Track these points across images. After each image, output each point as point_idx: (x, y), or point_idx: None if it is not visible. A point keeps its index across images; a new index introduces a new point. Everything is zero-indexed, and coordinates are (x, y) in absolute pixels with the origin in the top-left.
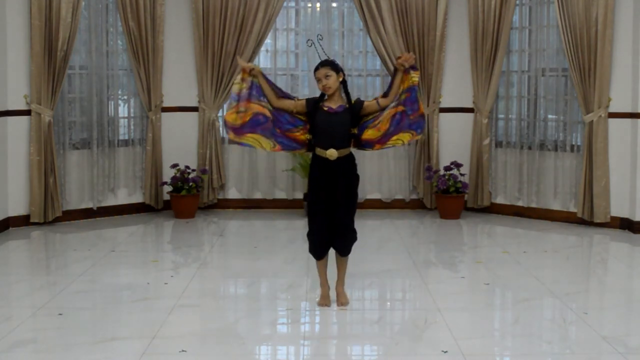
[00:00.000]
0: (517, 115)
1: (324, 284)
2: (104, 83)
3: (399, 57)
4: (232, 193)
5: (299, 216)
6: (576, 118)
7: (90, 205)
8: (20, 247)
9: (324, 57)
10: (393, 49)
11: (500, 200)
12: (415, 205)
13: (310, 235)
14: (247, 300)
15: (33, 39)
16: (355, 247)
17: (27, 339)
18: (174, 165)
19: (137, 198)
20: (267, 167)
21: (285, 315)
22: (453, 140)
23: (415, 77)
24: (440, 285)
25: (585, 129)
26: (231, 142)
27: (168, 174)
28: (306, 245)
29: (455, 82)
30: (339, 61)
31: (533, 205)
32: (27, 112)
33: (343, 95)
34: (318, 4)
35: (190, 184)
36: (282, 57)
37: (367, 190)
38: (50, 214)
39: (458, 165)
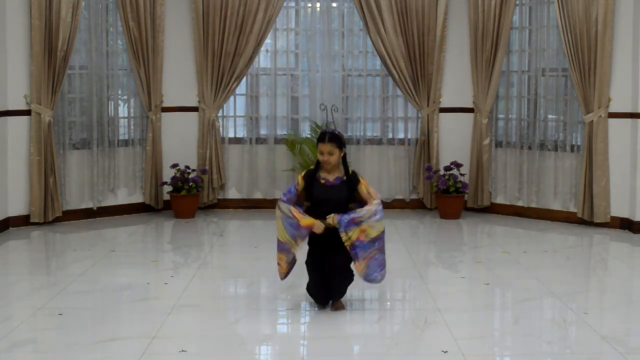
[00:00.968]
0: (517, 115)
1: None
2: (104, 83)
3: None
4: (232, 193)
5: None
6: (576, 118)
7: (90, 205)
8: (20, 247)
9: (331, 126)
10: (393, 49)
11: (500, 200)
12: (415, 205)
13: (308, 289)
14: (247, 300)
15: (33, 39)
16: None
17: (27, 339)
18: (174, 165)
19: (137, 198)
20: (267, 167)
21: (285, 316)
22: (453, 140)
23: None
24: (440, 285)
25: (585, 129)
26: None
27: (168, 174)
28: (307, 247)
29: (455, 82)
30: (338, 61)
31: (533, 205)
32: (27, 112)
33: (341, 167)
34: (318, 4)
35: (190, 184)
36: (282, 57)
37: None
38: (50, 214)
39: (458, 165)
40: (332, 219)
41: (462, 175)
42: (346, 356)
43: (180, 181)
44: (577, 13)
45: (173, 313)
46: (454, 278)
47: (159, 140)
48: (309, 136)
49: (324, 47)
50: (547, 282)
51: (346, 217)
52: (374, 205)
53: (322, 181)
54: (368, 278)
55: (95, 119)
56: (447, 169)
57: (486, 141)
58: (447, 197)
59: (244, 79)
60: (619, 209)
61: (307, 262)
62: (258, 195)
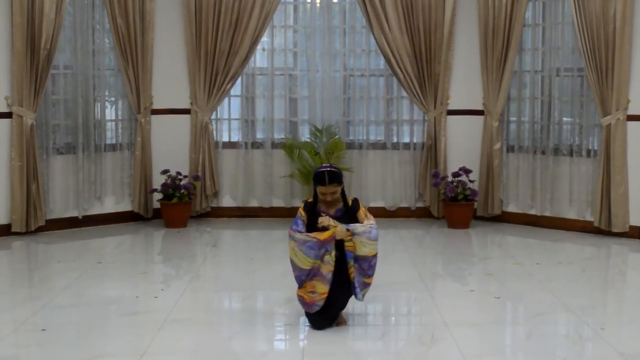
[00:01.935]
0: (529, 118)
1: None
2: (90, 84)
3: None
4: (227, 201)
5: None
6: (593, 121)
7: (75, 213)
8: (0, 258)
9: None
10: (398, 47)
11: (511, 208)
12: (421, 214)
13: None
14: (242, 315)
15: (15, 37)
16: None
17: (8, 356)
18: (165, 172)
19: (125, 206)
20: (263, 173)
21: (282, 331)
22: (462, 145)
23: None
24: (448, 298)
25: (603, 133)
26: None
27: (158, 180)
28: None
29: (464, 83)
30: (339, 60)
31: (547, 213)
32: (8, 115)
33: (340, 198)
34: (318, 0)
35: (182, 191)
36: (280, 56)
37: (370, 197)
38: (32, 223)
39: (467, 171)
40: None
41: (471, 181)
42: None
43: (171, 188)
44: (593, 9)
45: (163, 328)
46: (462, 291)
47: (148, 144)
48: (308, 140)
49: (324, 45)
50: (562, 296)
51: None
52: (368, 225)
53: (323, 214)
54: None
55: (81, 122)
56: (455, 175)
57: (497, 145)
58: (455, 205)
59: (239, 79)
60: (638, 218)
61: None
62: (254, 203)
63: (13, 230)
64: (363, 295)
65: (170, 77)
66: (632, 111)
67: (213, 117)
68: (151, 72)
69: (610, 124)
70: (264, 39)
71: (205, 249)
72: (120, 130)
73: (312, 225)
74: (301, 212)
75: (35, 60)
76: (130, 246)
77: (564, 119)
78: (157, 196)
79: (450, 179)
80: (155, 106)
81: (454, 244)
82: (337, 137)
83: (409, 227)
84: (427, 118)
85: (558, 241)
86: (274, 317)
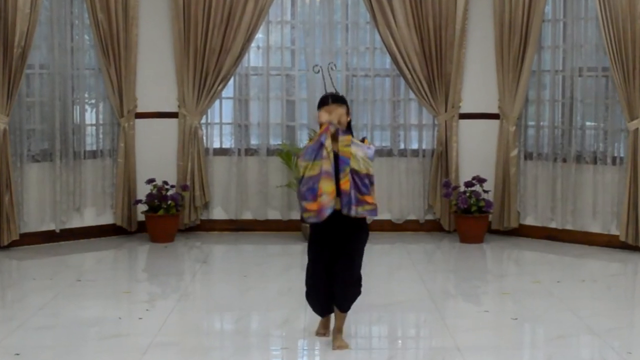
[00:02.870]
0: (549, 123)
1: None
2: (68, 85)
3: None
4: (218, 213)
5: (296, 240)
6: (618, 125)
7: (52, 227)
8: None
9: (331, 89)
10: (405, 45)
11: (530, 221)
12: (431, 227)
13: (307, 293)
14: (235, 337)
15: None
16: (363, 275)
17: None
18: (150, 181)
19: (106, 219)
20: (258, 182)
21: (279, 356)
22: (475, 152)
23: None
24: (460, 320)
25: (630, 138)
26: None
27: (143, 190)
28: (304, 274)
29: (478, 84)
30: (341, 59)
31: (568, 227)
32: None
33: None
34: None
35: (169, 202)
36: (276, 54)
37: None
38: (5, 237)
39: (481, 181)
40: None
41: (485, 192)
42: None
43: (157, 199)
44: (619, 3)
45: (149, 352)
46: (476, 312)
47: (132, 151)
48: None
49: (324, 42)
50: (585, 317)
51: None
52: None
53: (327, 149)
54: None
55: (58, 126)
56: (468, 184)
57: (514, 152)
58: (468, 218)
59: (232, 80)
60: None
61: (311, 257)
62: (248, 215)
63: None
64: (358, 213)
65: (156, 77)
66: None
67: (203, 121)
68: (135, 72)
69: (637, 128)
70: (259, 35)
71: (194, 266)
72: (101, 136)
73: None
74: (308, 142)
75: (8, 60)
76: (113, 262)
77: (587, 123)
78: (142, 208)
79: (462, 189)
80: (140, 109)
81: (467, 260)
82: None
83: (417, 241)
84: (437, 122)
85: (581, 257)
86: (270, 340)
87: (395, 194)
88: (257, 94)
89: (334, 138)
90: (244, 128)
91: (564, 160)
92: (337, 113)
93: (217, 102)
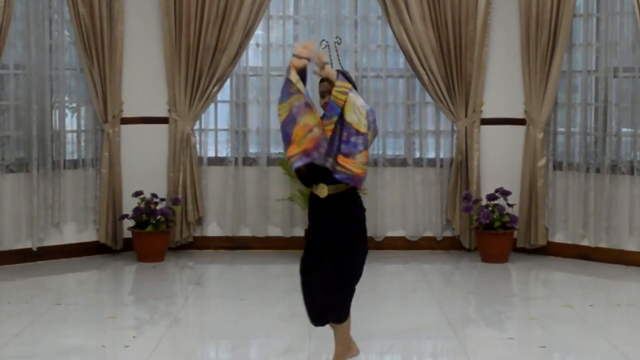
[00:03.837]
0: (581, 129)
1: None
2: (46, 87)
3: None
4: (213, 229)
5: (299, 259)
6: None
7: (28, 244)
8: None
9: (337, 66)
10: (421, 42)
11: (559, 238)
12: (449, 245)
13: (303, 296)
14: None
15: None
16: (373, 299)
17: None
18: (138, 194)
19: (89, 236)
20: (257, 195)
21: None
22: (498, 161)
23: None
24: (482, 348)
25: None
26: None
27: (129, 204)
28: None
29: (501, 86)
30: (350, 58)
31: (602, 245)
32: None
33: None
34: None
35: (158, 217)
36: (277, 52)
37: (388, 225)
38: None
39: (505, 193)
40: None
41: (510, 206)
42: None
43: (146, 214)
44: None
45: None
46: (499, 339)
47: (117, 160)
48: None
49: (331, 40)
50: (620, 344)
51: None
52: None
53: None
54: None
55: (36, 133)
56: (490, 197)
57: (541, 162)
58: (490, 235)
59: (228, 81)
60: None
61: (304, 261)
62: (246, 232)
63: None
64: (335, 169)
65: (144, 78)
66: None
67: (196, 127)
68: (121, 72)
69: None
70: (258, 32)
71: (186, 288)
72: (83, 144)
73: None
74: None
75: None
76: (96, 284)
77: (623, 129)
78: (128, 223)
79: (484, 202)
80: (126, 114)
81: (490, 281)
82: None
83: (434, 261)
84: (456, 128)
85: (616, 278)
86: None
87: (410, 208)
88: (257, 97)
89: (330, 83)
90: (242, 135)
91: (598, 171)
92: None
93: (211, 106)
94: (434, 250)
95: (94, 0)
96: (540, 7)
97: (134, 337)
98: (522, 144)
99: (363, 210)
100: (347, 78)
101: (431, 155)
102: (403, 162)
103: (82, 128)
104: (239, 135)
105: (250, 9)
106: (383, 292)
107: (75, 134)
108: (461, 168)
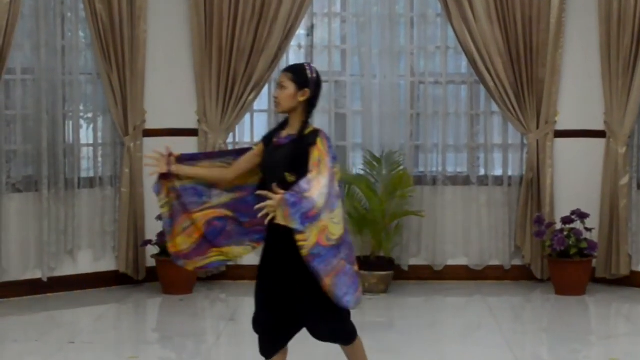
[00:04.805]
0: None
1: None
2: (58, 94)
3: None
4: (248, 257)
5: None
6: None
7: (38, 274)
8: None
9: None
10: (486, 44)
11: None
12: (519, 275)
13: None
14: None
15: None
16: (432, 336)
17: None
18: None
19: (107, 264)
20: None
21: None
22: (575, 179)
23: None
24: None
25: None
26: (197, 269)
27: (153, 228)
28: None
29: (578, 93)
30: (405, 62)
31: None
32: None
33: (302, 119)
34: None
35: None
36: (322, 55)
37: (447, 252)
38: None
39: (583, 216)
40: (274, 198)
41: (588, 230)
42: None
43: None
44: None
45: None
46: None
47: (139, 178)
48: (362, 172)
49: (383, 41)
50: None
51: (293, 199)
52: (322, 179)
53: (275, 140)
54: (338, 304)
55: (46, 147)
56: (566, 221)
57: (624, 180)
58: (566, 263)
59: (266, 88)
60: None
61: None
62: None
63: None
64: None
65: (170, 84)
66: None
67: (230, 140)
68: (143, 77)
69: None
70: (300, 31)
71: (218, 324)
72: (100, 159)
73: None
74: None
75: None
76: (115, 320)
77: None
78: (152, 250)
79: (559, 226)
80: (149, 125)
81: (565, 316)
82: (401, 168)
83: (501, 293)
84: (526, 142)
85: None
86: None
87: (474, 233)
88: None
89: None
90: None
91: None
92: (280, 88)
93: (247, 116)
94: (501, 281)
95: None
96: (622, 2)
97: None
98: (602, 160)
99: None
100: (303, 74)
101: (498, 172)
102: (466, 181)
103: (99, 141)
104: None
105: (292, 6)
106: (443, 329)
107: (91, 148)
108: (532, 187)
